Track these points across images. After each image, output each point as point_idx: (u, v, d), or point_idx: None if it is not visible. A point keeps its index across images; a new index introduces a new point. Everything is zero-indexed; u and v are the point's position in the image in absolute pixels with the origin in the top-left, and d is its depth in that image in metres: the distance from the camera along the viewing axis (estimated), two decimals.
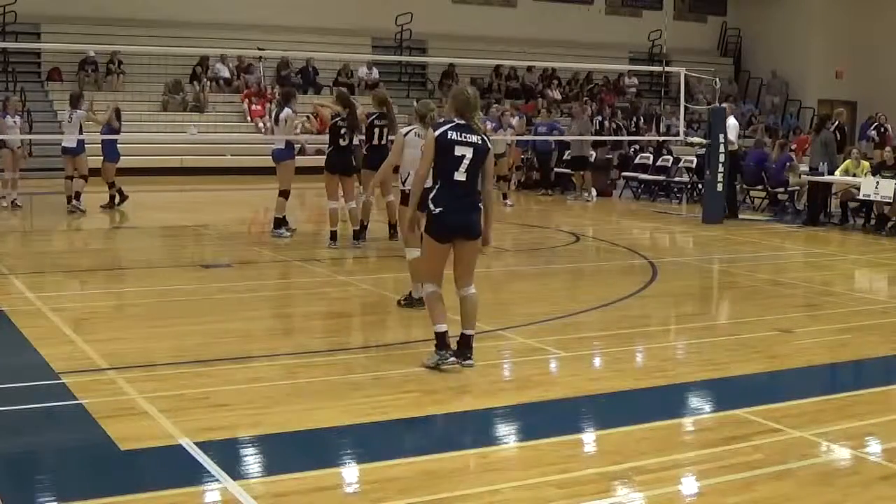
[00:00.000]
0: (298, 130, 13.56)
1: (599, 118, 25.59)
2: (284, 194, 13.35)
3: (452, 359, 6.72)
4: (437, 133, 6.74)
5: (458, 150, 6.67)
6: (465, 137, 6.71)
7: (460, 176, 6.67)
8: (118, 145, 16.80)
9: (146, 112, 23.92)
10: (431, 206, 6.73)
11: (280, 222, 13.43)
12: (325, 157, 12.74)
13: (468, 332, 6.87)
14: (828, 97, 30.33)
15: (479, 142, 6.73)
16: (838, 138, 18.37)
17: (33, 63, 24.97)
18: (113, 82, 24.63)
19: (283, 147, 13.46)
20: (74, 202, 15.99)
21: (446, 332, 6.79)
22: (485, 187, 6.89)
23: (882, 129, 24.51)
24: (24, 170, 17.39)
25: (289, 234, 13.36)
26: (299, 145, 15.05)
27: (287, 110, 13.48)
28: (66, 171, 16.26)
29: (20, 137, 16.88)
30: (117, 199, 16.80)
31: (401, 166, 9.08)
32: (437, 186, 6.75)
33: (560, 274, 10.94)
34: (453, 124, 6.78)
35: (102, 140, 16.43)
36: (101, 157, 16.55)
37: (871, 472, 5.22)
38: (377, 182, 11.99)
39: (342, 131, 12.39)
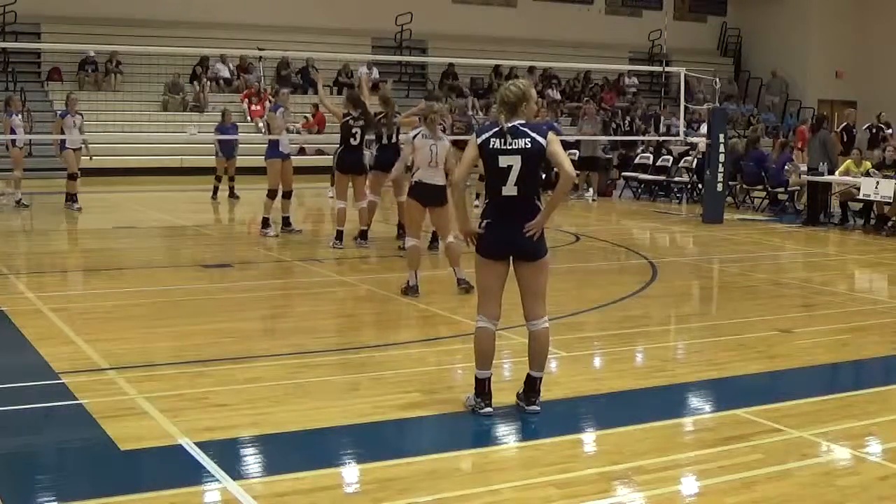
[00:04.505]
0: (282, 129, 13.51)
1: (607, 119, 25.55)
2: (271, 194, 13.37)
3: (488, 409, 5.84)
4: (480, 140, 5.78)
5: (504, 161, 5.70)
6: (511, 144, 5.69)
7: (509, 191, 5.72)
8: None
9: (146, 112, 23.95)
10: (480, 221, 5.90)
11: (267, 222, 13.46)
12: (333, 156, 12.76)
13: (535, 374, 5.94)
14: (828, 97, 30.35)
15: (528, 145, 5.68)
16: (845, 139, 18.25)
17: (33, 63, 24.97)
18: (112, 82, 24.64)
19: (268, 146, 13.54)
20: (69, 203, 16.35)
21: (487, 379, 5.88)
22: (560, 178, 5.81)
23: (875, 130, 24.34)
24: (25, 170, 17.44)
25: (274, 233, 13.37)
26: (296, 145, 15.12)
27: (269, 110, 13.58)
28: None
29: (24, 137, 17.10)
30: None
31: (414, 168, 9.39)
32: (486, 202, 5.92)
33: (560, 274, 10.91)
34: (497, 129, 5.74)
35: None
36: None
37: (871, 472, 5.22)
38: (392, 181, 12.07)
39: (353, 130, 12.34)
